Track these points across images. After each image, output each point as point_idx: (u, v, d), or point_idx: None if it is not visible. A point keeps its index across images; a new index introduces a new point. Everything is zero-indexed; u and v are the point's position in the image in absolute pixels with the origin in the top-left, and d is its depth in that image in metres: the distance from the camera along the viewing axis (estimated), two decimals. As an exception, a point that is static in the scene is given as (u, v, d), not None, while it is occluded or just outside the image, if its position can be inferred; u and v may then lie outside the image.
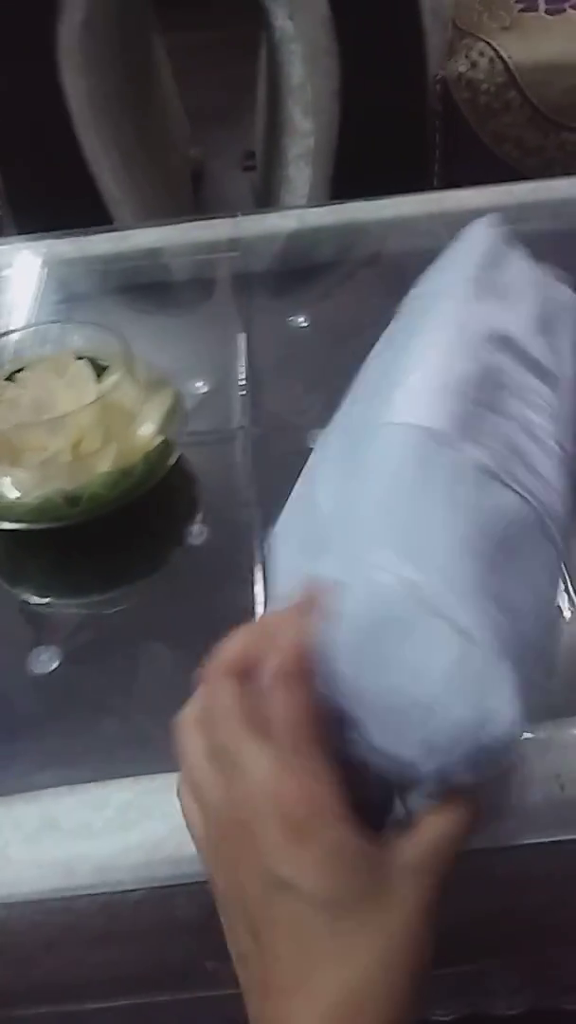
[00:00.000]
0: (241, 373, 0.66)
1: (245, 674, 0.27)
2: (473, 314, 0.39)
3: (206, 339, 0.72)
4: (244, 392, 0.65)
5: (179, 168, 1.66)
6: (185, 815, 0.29)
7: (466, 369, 0.35)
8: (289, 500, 0.40)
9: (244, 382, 0.65)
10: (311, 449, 0.63)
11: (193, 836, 0.29)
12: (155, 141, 1.32)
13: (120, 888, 0.38)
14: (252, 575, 0.51)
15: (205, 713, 0.28)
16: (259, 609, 0.50)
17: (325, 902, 0.25)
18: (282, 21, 0.98)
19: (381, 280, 0.76)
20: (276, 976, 0.25)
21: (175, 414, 0.54)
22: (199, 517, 0.58)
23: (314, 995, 0.24)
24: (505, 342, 0.39)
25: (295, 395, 0.65)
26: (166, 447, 0.52)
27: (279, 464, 0.61)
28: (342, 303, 0.75)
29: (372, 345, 0.74)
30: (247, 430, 0.62)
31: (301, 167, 1.09)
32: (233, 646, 0.28)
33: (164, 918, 0.40)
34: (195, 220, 0.79)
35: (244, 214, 0.79)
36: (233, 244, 0.77)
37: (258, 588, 0.51)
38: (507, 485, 0.32)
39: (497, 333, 0.38)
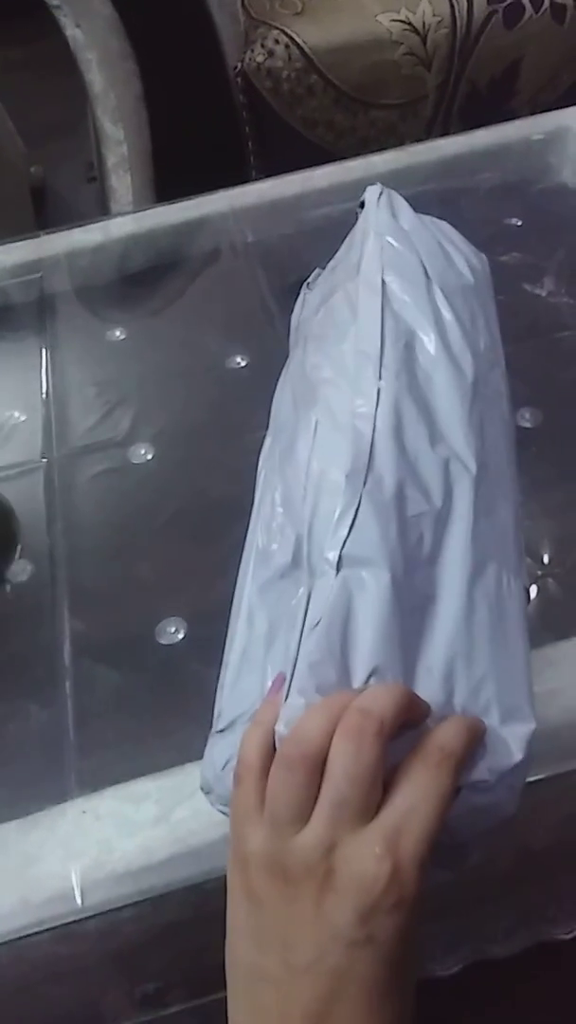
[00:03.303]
0: (47, 396, 0.65)
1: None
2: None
3: (18, 367, 0.69)
4: (52, 416, 0.63)
5: (14, 189, 1.61)
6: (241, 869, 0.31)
7: None
8: None
9: (44, 408, 0.64)
10: (133, 464, 0.62)
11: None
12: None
13: None
14: (63, 610, 0.50)
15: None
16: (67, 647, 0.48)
17: (397, 961, 0.28)
18: (72, 30, 0.96)
19: (194, 281, 0.75)
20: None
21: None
22: (18, 552, 0.56)
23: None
24: None
25: (110, 411, 0.63)
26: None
27: (99, 484, 0.60)
28: (158, 311, 0.74)
29: (193, 347, 0.73)
30: (55, 456, 0.61)
31: (121, 175, 1.07)
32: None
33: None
34: (-4, 245, 0.76)
35: (46, 232, 0.77)
36: (36, 265, 0.74)
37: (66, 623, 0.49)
38: None
39: None
